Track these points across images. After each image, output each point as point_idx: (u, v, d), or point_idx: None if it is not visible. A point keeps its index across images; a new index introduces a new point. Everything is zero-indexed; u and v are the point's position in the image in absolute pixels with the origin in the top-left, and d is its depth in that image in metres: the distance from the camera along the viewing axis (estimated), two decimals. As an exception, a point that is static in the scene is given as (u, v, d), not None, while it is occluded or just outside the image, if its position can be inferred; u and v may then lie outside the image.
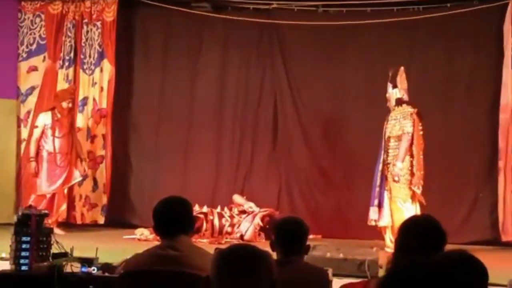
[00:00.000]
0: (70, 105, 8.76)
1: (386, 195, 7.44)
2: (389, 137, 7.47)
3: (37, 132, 8.61)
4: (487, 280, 1.60)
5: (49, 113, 8.66)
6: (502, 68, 8.37)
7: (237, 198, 9.00)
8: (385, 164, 7.46)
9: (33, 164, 8.53)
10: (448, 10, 8.63)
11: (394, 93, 7.53)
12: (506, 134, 8.28)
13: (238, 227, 8.50)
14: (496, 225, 8.34)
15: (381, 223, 7.48)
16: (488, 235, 8.49)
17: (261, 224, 8.52)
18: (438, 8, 8.66)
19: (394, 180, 7.32)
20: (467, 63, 8.82)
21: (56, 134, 8.58)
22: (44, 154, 8.55)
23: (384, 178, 7.47)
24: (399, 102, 7.52)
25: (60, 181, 8.58)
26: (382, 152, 7.52)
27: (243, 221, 8.54)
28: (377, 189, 7.52)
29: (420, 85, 8.18)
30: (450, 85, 8.85)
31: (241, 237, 8.39)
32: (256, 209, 8.72)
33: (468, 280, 1.49)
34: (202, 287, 2.03)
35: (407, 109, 7.46)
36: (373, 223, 7.55)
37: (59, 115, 8.61)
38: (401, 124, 7.39)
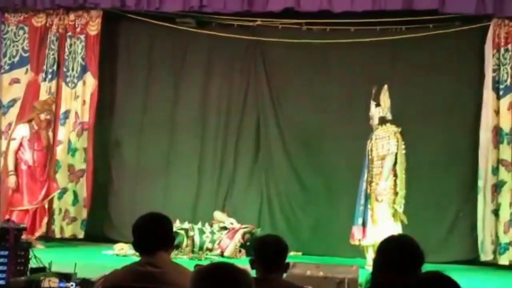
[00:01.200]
0: (49, 117, 8.63)
1: (369, 214, 7.46)
2: (373, 157, 7.50)
3: (14, 144, 8.43)
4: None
5: (26, 125, 8.51)
6: (483, 89, 8.46)
7: (218, 214, 8.96)
8: (369, 183, 7.48)
9: (13, 178, 8.36)
10: (430, 31, 8.72)
11: (377, 112, 7.56)
12: (486, 154, 8.33)
13: (218, 244, 8.47)
14: (475, 244, 8.37)
15: (364, 242, 7.50)
16: (468, 254, 8.51)
17: (241, 241, 8.50)
18: (420, 28, 8.74)
19: (377, 200, 7.34)
20: (448, 83, 8.88)
21: (35, 146, 8.45)
22: (23, 167, 8.41)
23: (367, 197, 7.49)
24: (382, 121, 7.55)
25: (41, 196, 8.45)
26: (366, 171, 7.54)
27: (223, 238, 8.51)
28: (361, 208, 7.53)
29: (401, 104, 8.21)
30: (431, 104, 8.88)
31: (222, 253, 8.37)
32: (237, 226, 8.71)
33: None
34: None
35: (391, 128, 7.51)
36: (357, 242, 7.57)
37: (36, 127, 8.49)
38: (386, 144, 7.41)
